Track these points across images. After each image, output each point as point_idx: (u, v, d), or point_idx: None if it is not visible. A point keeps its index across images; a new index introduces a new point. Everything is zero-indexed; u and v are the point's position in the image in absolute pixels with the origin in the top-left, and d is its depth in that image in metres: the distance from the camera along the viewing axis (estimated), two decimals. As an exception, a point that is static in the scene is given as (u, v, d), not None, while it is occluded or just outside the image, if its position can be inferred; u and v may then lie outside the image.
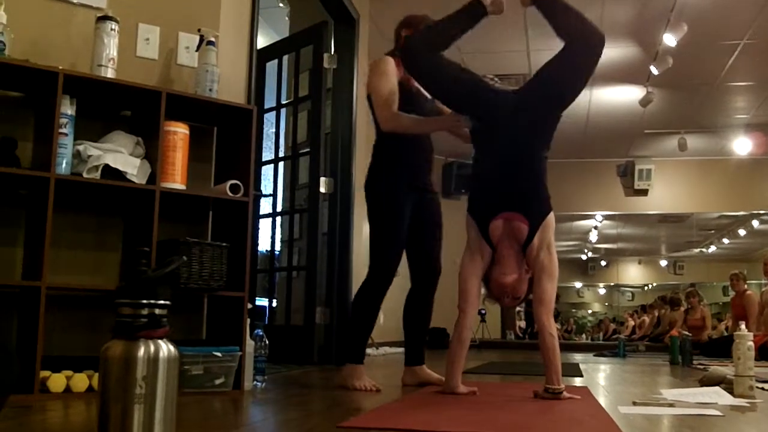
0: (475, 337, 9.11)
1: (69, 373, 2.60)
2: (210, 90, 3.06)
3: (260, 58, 4.68)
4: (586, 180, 11.17)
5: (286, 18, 6.36)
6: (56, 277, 2.70)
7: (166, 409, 1.45)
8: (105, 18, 2.83)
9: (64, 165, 2.65)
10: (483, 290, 2.89)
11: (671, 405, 2.59)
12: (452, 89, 2.98)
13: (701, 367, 5.12)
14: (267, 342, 3.23)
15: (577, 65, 2.83)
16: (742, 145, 10.03)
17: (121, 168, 2.75)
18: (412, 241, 3.25)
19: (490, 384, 3.55)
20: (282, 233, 5.49)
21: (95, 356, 1.51)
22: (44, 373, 2.52)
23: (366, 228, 6.56)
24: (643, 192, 11.04)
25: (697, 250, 18.06)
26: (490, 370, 4.65)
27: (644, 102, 7.93)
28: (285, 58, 5.38)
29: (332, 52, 5.15)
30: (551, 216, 2.79)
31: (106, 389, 1.43)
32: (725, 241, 16.82)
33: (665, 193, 11.05)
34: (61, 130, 2.64)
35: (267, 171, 5.57)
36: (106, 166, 2.72)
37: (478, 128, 2.94)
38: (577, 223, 15.10)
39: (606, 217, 13.99)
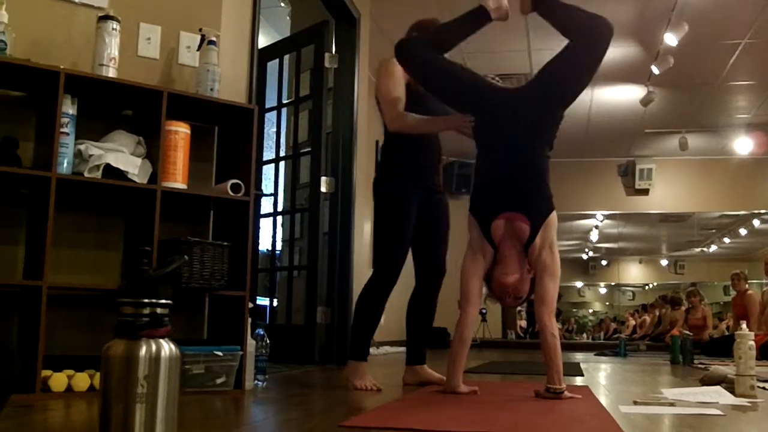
0: (476, 337, 9.10)
1: (70, 372, 2.60)
2: (211, 89, 3.06)
3: (261, 57, 4.68)
4: (587, 179, 11.17)
5: (287, 17, 6.36)
6: (57, 276, 2.70)
7: (168, 409, 1.45)
8: (106, 17, 2.83)
9: (65, 164, 2.66)
10: (485, 290, 2.88)
11: (672, 404, 2.59)
12: (453, 87, 2.98)
13: (702, 366, 5.12)
14: (268, 341, 3.23)
15: (578, 63, 2.82)
16: (743, 145, 10.03)
17: (122, 167, 2.75)
18: (418, 241, 3.25)
19: (491, 383, 3.55)
20: (283, 233, 5.49)
21: (96, 355, 1.51)
22: (45, 373, 2.52)
23: (367, 227, 6.57)
24: (644, 191, 11.04)
25: (698, 250, 18.05)
26: (491, 370, 4.65)
27: (645, 101, 7.93)
28: (286, 57, 5.38)
29: (333, 52, 5.15)
30: (553, 215, 2.79)
31: (107, 388, 1.43)
32: (726, 240, 16.82)
33: (666, 192, 11.05)
34: (62, 130, 2.64)
35: (268, 170, 5.57)
36: (108, 166, 2.72)
37: (480, 127, 2.94)
38: (578, 223, 15.10)
39: (607, 217, 13.99)
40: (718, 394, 2.86)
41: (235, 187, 3.00)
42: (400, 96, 3.15)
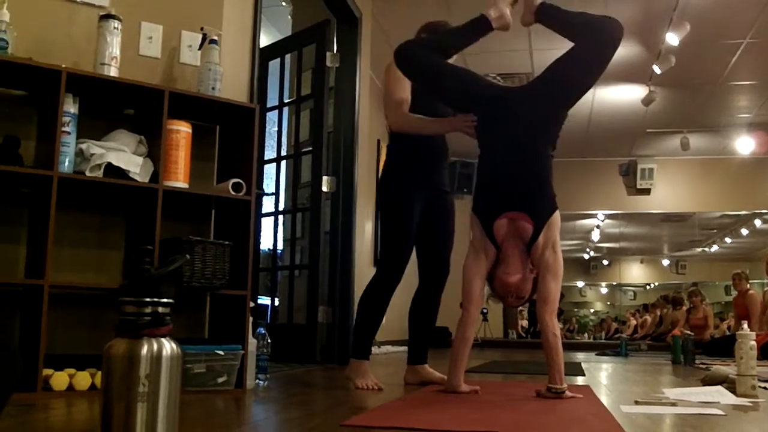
0: (478, 336, 9.10)
1: (72, 371, 2.60)
2: (213, 88, 3.06)
3: (263, 56, 4.68)
4: (589, 179, 11.16)
5: (289, 17, 6.36)
6: (59, 275, 2.70)
7: (169, 408, 1.45)
8: (108, 16, 2.83)
9: (66, 163, 2.66)
10: (487, 289, 2.88)
11: (673, 404, 2.59)
12: (453, 88, 2.99)
13: (703, 366, 5.11)
14: (269, 341, 3.23)
15: (584, 62, 2.81)
16: (745, 145, 10.02)
17: (123, 166, 2.75)
18: (422, 241, 3.25)
19: (492, 383, 3.55)
20: (284, 232, 5.49)
21: (98, 354, 1.51)
22: (47, 371, 2.52)
23: (368, 226, 6.58)
24: (646, 191, 11.03)
25: (699, 250, 18.05)
26: (493, 369, 4.65)
27: (647, 101, 7.92)
28: (287, 56, 5.38)
29: (335, 51, 5.15)
30: (556, 215, 2.78)
31: (109, 387, 1.43)
32: (727, 240, 16.81)
33: (667, 192, 11.04)
34: (64, 129, 2.64)
35: (269, 170, 5.57)
36: (109, 165, 2.72)
37: (481, 126, 2.94)
38: (580, 222, 15.10)
39: (608, 216, 13.99)
40: (720, 394, 2.86)
41: (237, 187, 3.00)
42: (405, 98, 3.18)
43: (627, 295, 23.85)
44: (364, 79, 5.38)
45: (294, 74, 5.37)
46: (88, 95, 2.82)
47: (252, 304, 3.04)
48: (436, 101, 3.20)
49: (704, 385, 3.24)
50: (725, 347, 6.53)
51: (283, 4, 6.28)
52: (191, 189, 2.96)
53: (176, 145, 2.91)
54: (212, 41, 3.11)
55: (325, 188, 4.94)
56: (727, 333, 9.27)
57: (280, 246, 5.52)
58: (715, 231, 16.26)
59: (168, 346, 1.47)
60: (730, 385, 3.06)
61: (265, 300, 5.42)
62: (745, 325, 3.10)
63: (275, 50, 5.41)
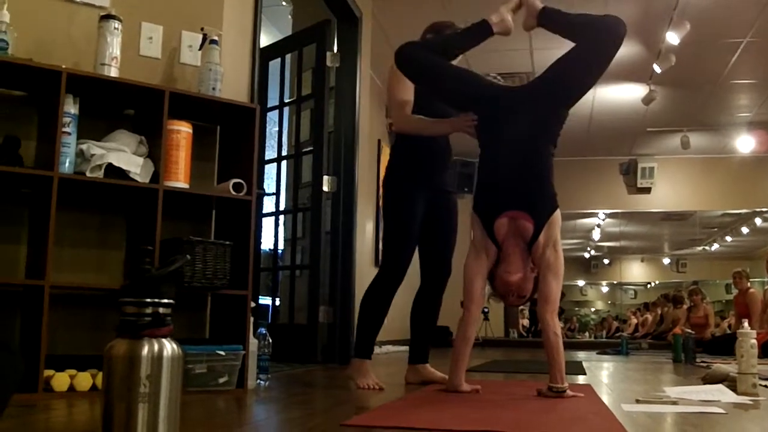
0: (479, 336, 9.10)
1: (73, 371, 2.60)
2: (213, 89, 3.06)
3: (263, 56, 4.68)
4: (589, 178, 11.16)
5: (289, 16, 6.36)
6: (60, 275, 2.70)
7: (170, 408, 1.45)
8: (108, 17, 2.83)
9: (67, 164, 2.66)
10: (488, 288, 2.88)
11: (674, 403, 2.59)
12: (453, 88, 2.99)
13: (704, 364, 5.11)
14: (270, 341, 3.23)
15: (585, 61, 2.80)
16: (745, 143, 10.01)
17: (124, 167, 2.75)
18: (424, 241, 3.26)
19: (494, 382, 3.55)
20: (285, 232, 5.49)
21: (99, 355, 1.51)
22: (48, 372, 2.52)
23: (369, 226, 6.58)
24: (646, 190, 11.03)
25: (700, 248, 18.04)
26: (494, 369, 4.65)
27: (647, 100, 7.92)
28: (288, 56, 5.38)
29: (335, 51, 5.15)
30: (557, 213, 2.78)
31: (110, 388, 1.43)
32: (728, 238, 16.81)
33: (668, 191, 11.04)
34: (64, 129, 2.64)
35: (270, 170, 5.57)
36: (110, 165, 2.72)
37: (481, 125, 2.94)
38: (580, 221, 15.10)
39: (609, 215, 13.99)
40: (721, 393, 2.86)
41: (237, 187, 3.00)
42: (408, 99, 3.20)
43: (628, 294, 23.84)
44: (365, 79, 5.38)
45: (294, 74, 5.37)
46: (89, 96, 2.82)
47: (253, 304, 3.04)
48: (437, 102, 3.20)
49: (705, 384, 3.24)
50: (726, 346, 6.53)
51: (283, 3, 6.27)
52: (192, 189, 2.96)
53: (177, 146, 2.91)
54: (212, 41, 3.11)
55: (325, 188, 4.94)
56: (728, 331, 9.27)
57: (281, 246, 5.52)
58: (715, 229, 16.25)
59: (169, 347, 1.47)
60: (731, 383, 3.06)
61: (266, 300, 5.42)
62: (746, 324, 3.10)
63: (275, 50, 5.41)
